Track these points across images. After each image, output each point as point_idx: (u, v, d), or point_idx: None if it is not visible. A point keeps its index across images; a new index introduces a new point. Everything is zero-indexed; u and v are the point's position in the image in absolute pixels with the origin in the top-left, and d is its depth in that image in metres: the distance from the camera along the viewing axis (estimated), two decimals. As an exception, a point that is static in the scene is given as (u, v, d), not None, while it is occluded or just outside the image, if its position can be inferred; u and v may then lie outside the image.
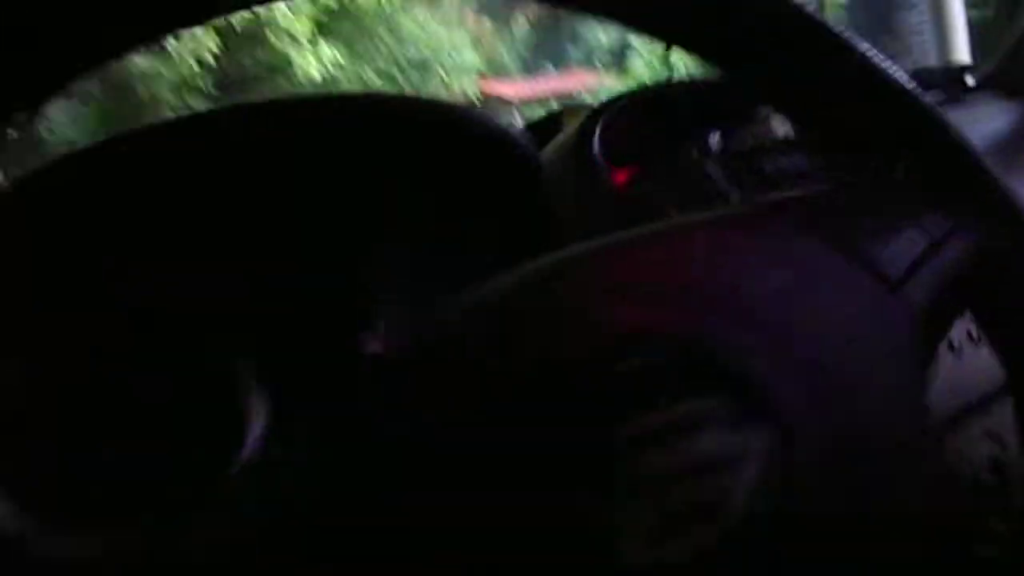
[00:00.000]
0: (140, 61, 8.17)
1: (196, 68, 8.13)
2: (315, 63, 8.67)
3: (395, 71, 13.11)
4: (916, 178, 0.45)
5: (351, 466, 0.33)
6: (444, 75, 13.34)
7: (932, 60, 2.89)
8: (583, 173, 0.81)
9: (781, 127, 0.84)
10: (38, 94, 0.32)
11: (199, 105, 10.47)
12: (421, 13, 13.90)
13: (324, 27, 10.08)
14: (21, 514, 0.40)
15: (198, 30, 8.02)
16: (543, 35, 17.88)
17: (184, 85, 9.03)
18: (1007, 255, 0.45)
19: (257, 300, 0.52)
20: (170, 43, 7.88)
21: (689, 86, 0.98)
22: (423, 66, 13.30)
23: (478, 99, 13.45)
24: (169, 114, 10.07)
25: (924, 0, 2.97)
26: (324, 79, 9.32)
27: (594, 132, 0.83)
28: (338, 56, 10.01)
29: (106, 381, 0.47)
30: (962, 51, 2.79)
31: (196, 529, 0.33)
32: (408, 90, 13.10)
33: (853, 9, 3.54)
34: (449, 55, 13.43)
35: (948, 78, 1.18)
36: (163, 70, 8.26)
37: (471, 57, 13.84)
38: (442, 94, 13.29)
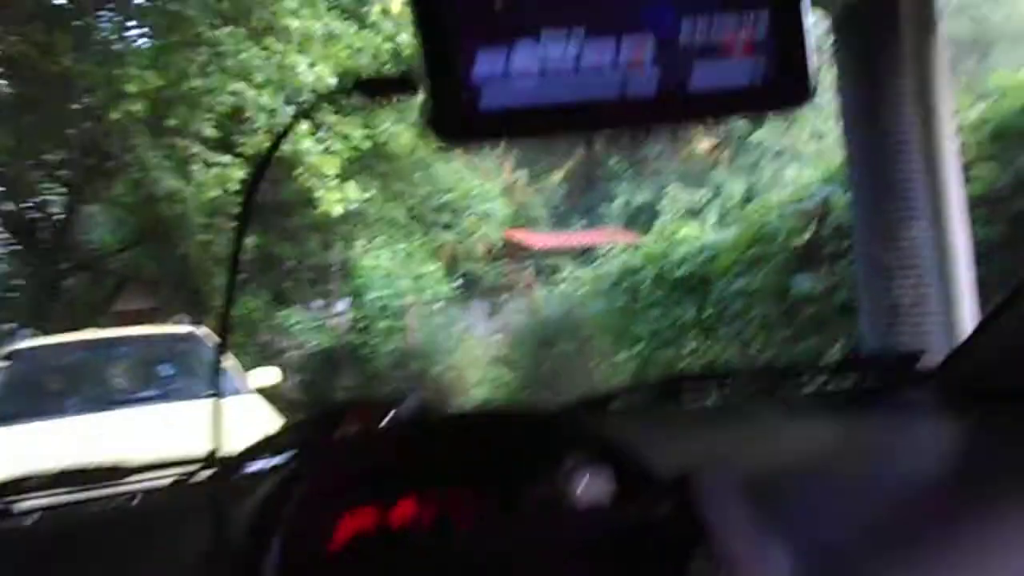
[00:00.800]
0: (171, 181, 8.37)
1: (219, 194, 8.27)
2: (338, 200, 8.80)
3: (425, 212, 13.37)
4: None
5: None
6: (473, 221, 13.57)
7: (935, 277, 2.80)
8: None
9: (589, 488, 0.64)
10: None
11: (225, 225, 10.70)
12: (457, 161, 14.35)
13: (357, 164, 10.35)
14: None
15: (227, 158, 8.25)
16: (576, 191, 18.35)
17: (210, 208, 9.21)
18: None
19: None
20: (198, 170, 8.07)
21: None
22: (453, 211, 13.55)
23: (501, 246, 13.62)
24: (196, 232, 10.27)
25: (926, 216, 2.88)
26: (347, 213, 9.46)
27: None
28: (366, 193, 10.19)
29: None
30: (964, 273, 2.68)
31: None
32: (436, 231, 13.32)
33: (858, 222, 3.52)
34: (479, 202, 13.70)
35: (897, 366, 1.09)
36: (191, 192, 8.44)
37: (501, 206, 14.11)
38: (468, 238, 13.48)
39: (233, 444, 3.64)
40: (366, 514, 0.69)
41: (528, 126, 0.46)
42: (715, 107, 0.48)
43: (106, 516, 0.84)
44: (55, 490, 0.86)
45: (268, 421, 4.85)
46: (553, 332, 8.00)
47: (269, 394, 5.72)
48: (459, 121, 0.45)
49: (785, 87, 0.47)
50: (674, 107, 0.46)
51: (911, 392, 1.12)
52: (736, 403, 1.10)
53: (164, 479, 0.88)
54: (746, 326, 5.44)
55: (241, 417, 4.87)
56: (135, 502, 0.85)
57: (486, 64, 0.45)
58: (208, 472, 0.87)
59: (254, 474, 0.87)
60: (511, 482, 0.65)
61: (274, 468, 0.89)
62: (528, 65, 0.45)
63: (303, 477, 0.72)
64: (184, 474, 0.86)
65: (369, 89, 0.52)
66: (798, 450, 1.00)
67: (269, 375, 5.83)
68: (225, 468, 0.90)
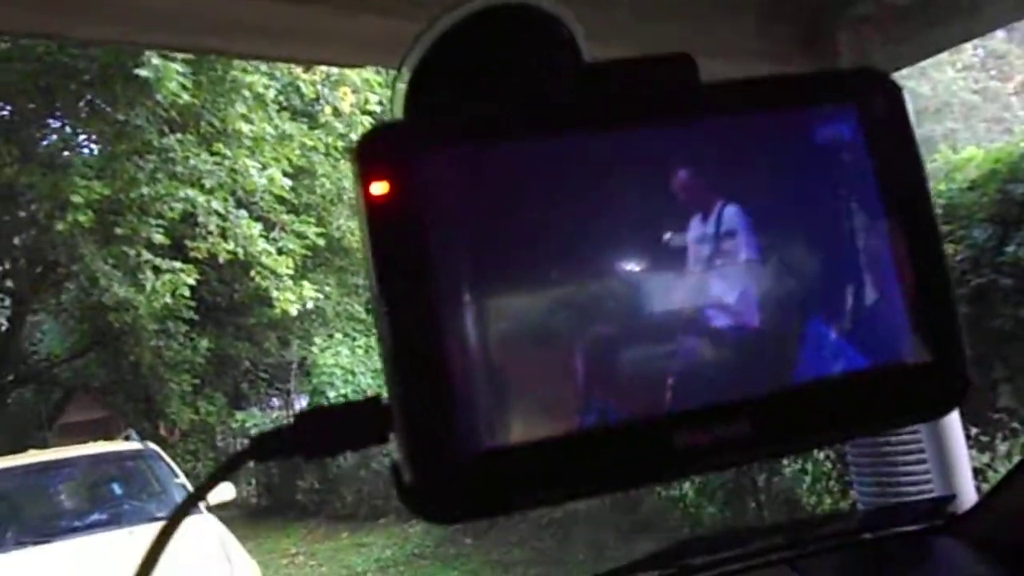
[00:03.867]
0: (120, 289, 8.14)
1: (170, 301, 8.06)
2: (295, 299, 8.64)
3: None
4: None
5: None
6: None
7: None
8: None
9: None
10: None
11: (180, 330, 10.42)
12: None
13: (314, 262, 10.23)
14: None
15: (177, 264, 8.08)
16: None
17: (162, 313, 8.96)
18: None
19: None
20: (148, 275, 7.87)
21: None
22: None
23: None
24: (148, 338, 9.97)
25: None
26: (302, 312, 9.28)
27: None
28: (323, 289, 10.04)
29: None
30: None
31: None
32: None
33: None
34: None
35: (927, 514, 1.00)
36: (142, 300, 8.21)
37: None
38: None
39: (183, 571, 3.35)
40: None
41: (574, 474, 0.33)
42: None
43: None
44: None
45: (223, 543, 4.58)
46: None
47: (226, 505, 5.44)
48: (459, 483, 0.31)
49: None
50: (808, 416, 0.34)
51: (942, 543, 1.03)
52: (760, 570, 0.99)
53: None
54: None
55: (195, 542, 4.59)
56: None
57: (491, 379, 0.32)
58: None
59: None
60: None
61: None
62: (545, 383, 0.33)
63: None
64: None
65: (318, 434, 0.39)
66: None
67: (223, 491, 5.55)
68: None
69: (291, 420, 0.37)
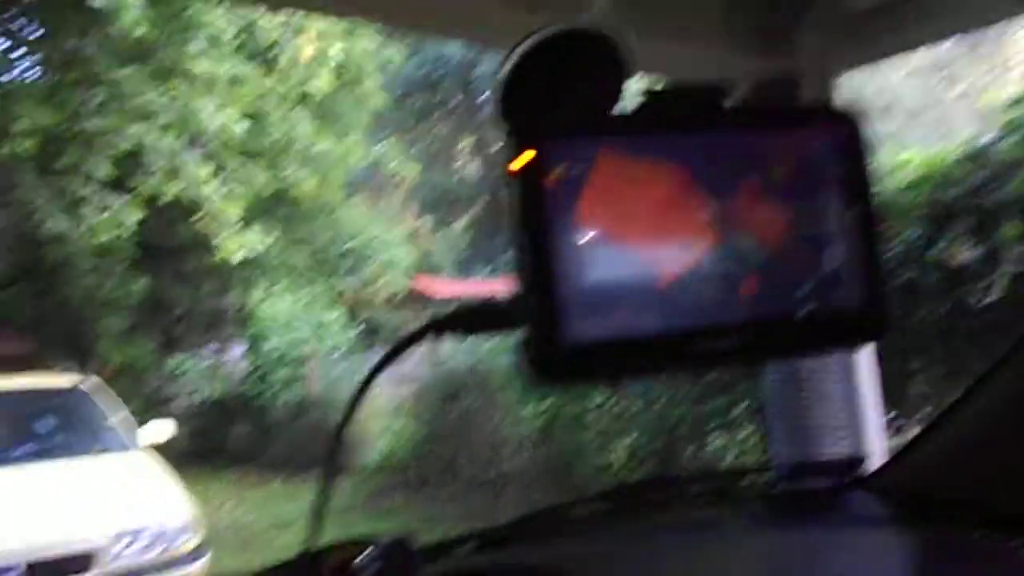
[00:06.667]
0: (58, 222, 7.93)
1: (110, 238, 7.89)
2: (237, 247, 8.54)
3: (328, 258, 13.14)
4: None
5: None
6: (376, 268, 13.42)
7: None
8: None
9: None
10: None
11: (116, 269, 10.18)
12: (362, 206, 14.22)
13: (259, 209, 10.10)
14: None
15: (121, 200, 7.90)
16: (480, 238, 18.46)
17: (99, 251, 8.76)
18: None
19: None
20: (89, 211, 7.68)
21: None
22: (356, 257, 13.37)
23: (405, 293, 13.52)
24: (82, 275, 9.73)
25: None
26: (245, 261, 9.18)
27: None
28: (268, 238, 9.93)
29: None
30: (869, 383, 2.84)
31: None
32: (338, 277, 13.09)
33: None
34: (383, 249, 13.58)
35: (840, 471, 1.11)
36: (80, 234, 8.01)
37: (405, 253, 14.03)
38: (371, 285, 13.31)
39: (119, 506, 3.43)
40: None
41: (635, 361, 0.46)
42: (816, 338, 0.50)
43: None
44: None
45: (157, 480, 4.60)
46: (459, 385, 7.94)
47: (160, 447, 5.43)
48: (564, 360, 0.44)
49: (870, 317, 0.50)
50: (779, 337, 0.48)
51: (854, 497, 1.16)
52: (692, 512, 1.11)
53: None
54: (654, 384, 5.55)
55: (129, 478, 4.60)
56: None
57: (588, 292, 0.44)
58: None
59: None
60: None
61: None
62: (629, 290, 0.45)
63: None
64: None
65: (468, 322, 0.50)
66: (752, 568, 1.02)
67: (161, 430, 5.54)
68: None
69: (454, 307, 0.53)
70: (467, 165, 22.63)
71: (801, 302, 0.48)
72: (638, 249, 0.46)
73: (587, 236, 0.45)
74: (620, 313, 0.45)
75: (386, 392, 10.63)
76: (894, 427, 4.30)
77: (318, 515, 0.55)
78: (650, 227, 0.47)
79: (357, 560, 0.77)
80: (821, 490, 1.20)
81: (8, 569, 3.60)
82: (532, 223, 0.45)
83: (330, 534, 0.81)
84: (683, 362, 0.48)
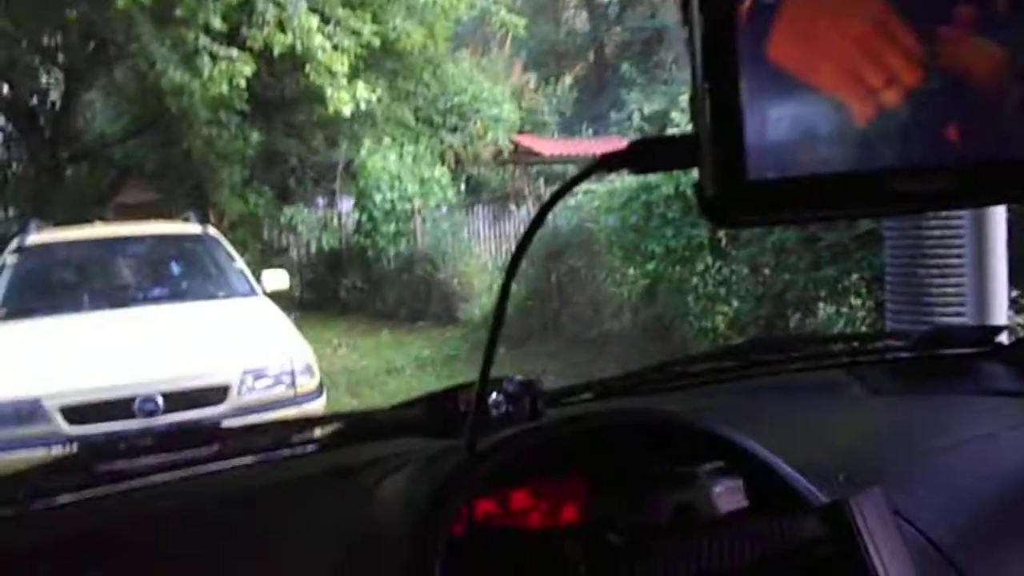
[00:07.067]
0: (174, 73, 8.14)
1: (225, 90, 8.06)
2: (348, 99, 8.59)
3: (433, 114, 13.11)
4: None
5: None
6: (481, 124, 13.32)
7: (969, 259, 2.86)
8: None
9: (725, 499, 0.62)
10: None
11: (232, 121, 10.47)
12: (467, 61, 13.96)
13: (366, 63, 10.05)
14: None
15: (235, 52, 8.00)
16: (585, 96, 17.94)
17: (216, 102, 8.98)
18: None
19: None
20: (206, 62, 7.83)
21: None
22: (461, 113, 13.28)
23: (509, 151, 13.42)
24: (201, 127, 10.07)
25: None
26: (356, 113, 9.24)
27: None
28: (375, 94, 9.92)
29: None
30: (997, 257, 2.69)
31: None
32: (443, 133, 13.08)
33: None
34: (488, 106, 13.41)
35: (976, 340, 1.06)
36: (197, 86, 8.21)
37: (510, 110, 13.82)
38: (475, 142, 13.27)
39: (248, 345, 3.67)
40: (488, 503, 0.69)
41: (823, 200, 0.43)
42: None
43: (231, 485, 0.83)
44: (149, 455, 0.86)
45: (279, 324, 4.88)
46: (562, 245, 7.97)
47: (277, 296, 5.73)
48: (746, 197, 0.41)
49: None
50: (986, 181, 0.43)
51: (987, 367, 1.11)
52: (818, 376, 1.09)
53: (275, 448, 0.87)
54: (762, 251, 5.42)
55: (255, 320, 4.91)
56: (255, 469, 0.85)
57: (774, 128, 0.41)
58: (315, 445, 0.87)
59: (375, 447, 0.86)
60: (641, 485, 0.65)
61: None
62: (820, 127, 0.42)
63: (438, 459, 0.71)
64: (300, 442, 0.86)
65: (641, 158, 0.47)
66: (888, 430, 1.00)
67: (279, 278, 5.83)
68: (343, 439, 0.89)
69: (627, 143, 0.48)
70: (575, 18, 21.70)
71: (1012, 146, 0.43)
72: (833, 85, 0.42)
73: (777, 68, 0.42)
74: (810, 150, 0.42)
75: (490, 249, 10.81)
76: (1018, 307, 4.08)
77: (489, 354, 0.56)
78: (847, 62, 0.42)
79: (492, 397, 0.80)
80: (952, 358, 1.16)
81: (146, 399, 3.90)
82: (717, 54, 0.42)
83: (437, 381, 0.84)
84: (877, 203, 0.45)
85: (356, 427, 0.94)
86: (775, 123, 0.41)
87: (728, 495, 0.64)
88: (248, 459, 0.85)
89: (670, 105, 12.27)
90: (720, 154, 0.41)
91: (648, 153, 0.47)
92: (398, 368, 7.62)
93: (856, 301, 4.96)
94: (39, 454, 3.62)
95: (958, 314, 3.39)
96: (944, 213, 3.31)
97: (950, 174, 0.43)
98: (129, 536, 0.75)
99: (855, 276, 4.80)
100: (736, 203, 0.42)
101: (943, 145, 0.42)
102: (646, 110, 15.00)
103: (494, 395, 0.80)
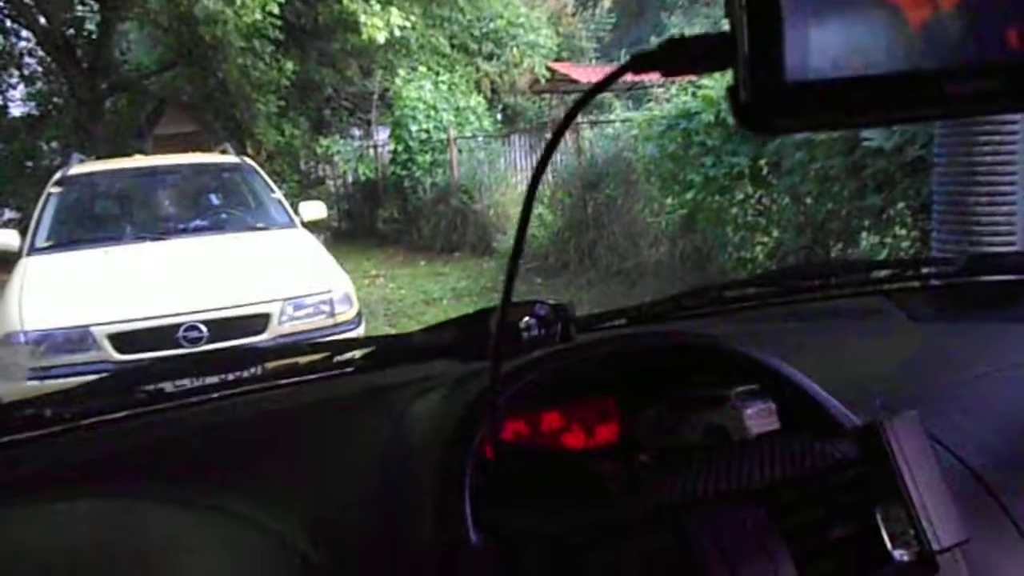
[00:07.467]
0: (208, 3, 8.08)
1: (259, 17, 7.98)
2: (382, 26, 8.47)
3: (468, 41, 12.87)
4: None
5: None
6: (517, 51, 13.06)
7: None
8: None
9: (756, 421, 0.62)
10: None
11: (266, 49, 10.40)
12: (503, -15, 13.61)
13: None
14: None
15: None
16: (625, 21, 17.44)
17: (250, 31, 8.92)
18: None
19: None
20: (238, -11, 7.76)
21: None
22: (496, 40, 13.02)
23: (547, 78, 13.17)
24: (235, 56, 10.02)
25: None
26: (390, 40, 9.11)
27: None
28: (409, 21, 9.75)
29: None
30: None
31: None
32: (478, 61, 12.86)
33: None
34: (524, 32, 13.12)
35: (1019, 266, 1.03)
36: (231, 14, 8.15)
37: (547, 36, 13.51)
38: (511, 69, 13.03)
39: (287, 275, 3.71)
40: (518, 423, 0.70)
41: (870, 102, 0.40)
42: None
43: (274, 404, 0.85)
44: (193, 377, 0.88)
45: (319, 254, 4.94)
46: (599, 174, 7.87)
47: (315, 226, 5.77)
48: (786, 98, 0.38)
49: None
50: None
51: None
52: (857, 303, 1.07)
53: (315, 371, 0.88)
54: (804, 179, 5.29)
55: (294, 250, 4.97)
56: (294, 391, 0.87)
57: (816, 25, 0.38)
58: (354, 367, 0.88)
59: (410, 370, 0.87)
60: (672, 407, 0.65)
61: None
62: (866, 25, 0.39)
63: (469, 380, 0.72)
64: (339, 364, 0.87)
65: (673, 57, 0.44)
66: (927, 356, 0.98)
67: (316, 209, 5.86)
68: (378, 361, 0.90)
69: (659, 43, 0.46)
70: (614, -62, 20.92)
71: None
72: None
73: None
74: (854, 50, 0.39)
75: (526, 180, 10.71)
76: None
77: (509, 280, 0.55)
78: None
79: (523, 320, 0.80)
80: (994, 285, 1.13)
81: (190, 327, 3.99)
82: None
83: (475, 307, 0.85)
84: (929, 104, 0.41)
85: (390, 350, 0.96)
86: (817, 20, 0.39)
87: (759, 417, 0.63)
88: (289, 380, 0.87)
89: (714, 29, 11.87)
90: (757, 52, 0.38)
91: (683, 51, 0.44)
92: (435, 299, 7.68)
93: (901, 231, 4.84)
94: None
95: (1007, 244, 3.29)
96: (997, 137, 3.18)
97: (1005, 75, 0.40)
98: (178, 448, 0.77)
99: (900, 205, 4.67)
100: (773, 106, 0.39)
101: (1001, 48, 0.40)
102: (688, 35, 14.56)
103: (526, 319, 0.80)
